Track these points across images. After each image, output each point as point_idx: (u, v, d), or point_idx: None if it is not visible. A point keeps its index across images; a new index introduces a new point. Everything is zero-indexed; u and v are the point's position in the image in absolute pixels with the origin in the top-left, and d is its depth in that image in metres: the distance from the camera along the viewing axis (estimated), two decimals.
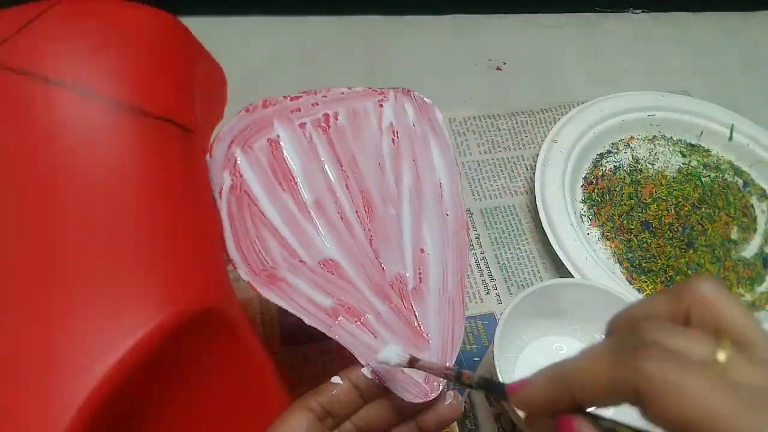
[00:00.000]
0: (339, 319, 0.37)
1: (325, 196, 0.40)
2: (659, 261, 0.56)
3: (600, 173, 0.61)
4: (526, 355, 0.49)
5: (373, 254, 0.39)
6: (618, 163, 0.62)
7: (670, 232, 0.57)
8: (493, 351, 0.43)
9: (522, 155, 0.63)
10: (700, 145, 0.65)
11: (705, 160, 0.64)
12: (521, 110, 0.66)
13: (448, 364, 0.38)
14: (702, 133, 0.66)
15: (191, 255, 0.33)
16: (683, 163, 0.64)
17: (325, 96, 0.42)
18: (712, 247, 0.57)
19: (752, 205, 0.62)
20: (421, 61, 0.70)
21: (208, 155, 0.38)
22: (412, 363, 0.34)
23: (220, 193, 0.38)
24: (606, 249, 0.57)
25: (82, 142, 0.32)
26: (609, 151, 0.63)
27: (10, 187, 0.31)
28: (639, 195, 0.60)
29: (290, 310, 0.36)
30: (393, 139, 0.42)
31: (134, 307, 0.29)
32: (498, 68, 0.71)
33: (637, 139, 0.65)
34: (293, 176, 0.40)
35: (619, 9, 0.78)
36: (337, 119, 0.42)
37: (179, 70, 0.38)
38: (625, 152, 0.64)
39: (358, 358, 0.35)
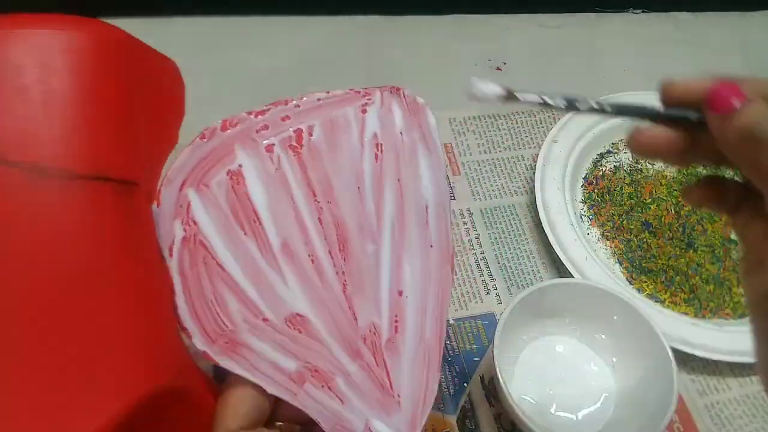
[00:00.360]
0: (305, 385, 0.34)
1: (294, 236, 0.35)
2: (659, 261, 0.56)
3: (600, 173, 0.61)
4: (526, 355, 0.49)
5: (345, 303, 0.35)
6: (618, 163, 0.62)
7: (670, 232, 0.57)
8: (493, 351, 0.43)
9: (522, 155, 0.63)
10: None
11: None
12: (521, 110, 0.66)
13: (417, 427, 0.35)
14: None
15: (136, 335, 0.29)
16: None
17: (298, 106, 0.37)
18: (712, 247, 0.57)
19: None
20: (421, 61, 0.70)
21: (154, 204, 0.33)
22: (509, 96, 0.30)
23: (171, 248, 0.33)
24: (606, 249, 0.57)
25: (1, 220, 0.27)
26: (609, 151, 0.63)
27: None
28: (639, 195, 0.60)
29: (252, 379, 0.33)
30: (376, 155, 0.37)
31: (78, 407, 0.26)
32: (498, 68, 0.71)
33: None
34: (258, 215, 0.35)
35: (619, 9, 0.78)
36: (311, 134, 0.37)
37: (115, 107, 0.31)
38: (625, 152, 0.63)
39: (323, 427, 0.33)
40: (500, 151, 0.63)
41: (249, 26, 0.69)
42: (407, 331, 0.36)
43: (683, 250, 0.56)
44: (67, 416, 0.26)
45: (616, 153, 0.63)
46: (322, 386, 0.34)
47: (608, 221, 0.58)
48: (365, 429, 0.34)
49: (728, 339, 0.51)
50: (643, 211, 0.59)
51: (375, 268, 0.36)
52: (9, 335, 0.26)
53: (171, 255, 0.33)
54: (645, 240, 0.57)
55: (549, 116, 0.66)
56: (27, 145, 0.27)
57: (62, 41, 0.29)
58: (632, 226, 0.58)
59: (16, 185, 0.27)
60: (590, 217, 0.59)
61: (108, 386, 0.27)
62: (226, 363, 0.33)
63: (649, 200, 0.59)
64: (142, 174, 0.32)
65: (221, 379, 0.34)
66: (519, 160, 0.63)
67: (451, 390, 0.49)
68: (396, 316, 0.36)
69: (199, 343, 0.33)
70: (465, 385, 0.49)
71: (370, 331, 0.36)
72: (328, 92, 0.38)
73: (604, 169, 0.62)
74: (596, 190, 0.60)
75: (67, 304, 0.27)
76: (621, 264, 0.57)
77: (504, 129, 0.64)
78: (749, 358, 0.51)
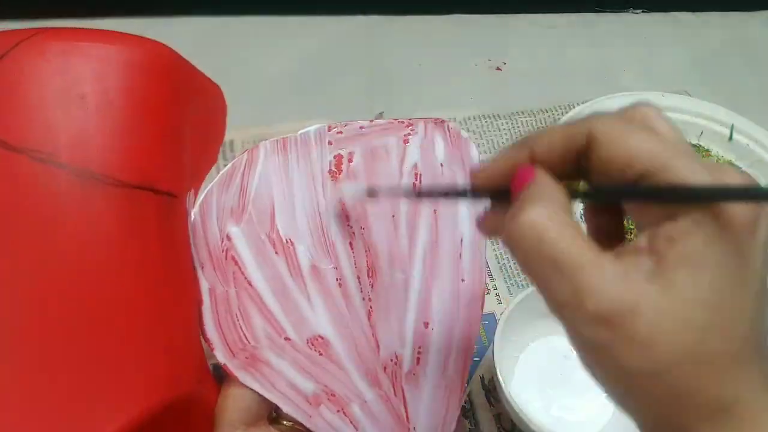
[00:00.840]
0: (320, 407, 0.34)
1: (323, 259, 0.35)
2: None
3: None
4: (526, 355, 0.49)
5: (369, 330, 0.35)
6: None
7: None
8: (493, 351, 0.43)
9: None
10: (701, 145, 0.65)
11: (705, 159, 0.64)
12: (521, 110, 0.66)
13: None
14: (702, 133, 0.66)
15: (164, 341, 0.30)
16: None
17: (340, 132, 0.37)
18: None
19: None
20: (421, 61, 0.70)
21: (192, 215, 0.34)
22: (371, 193, 0.33)
23: (203, 261, 0.34)
24: None
25: (46, 219, 0.28)
26: None
27: None
28: None
29: (267, 396, 0.33)
30: (414, 184, 0.37)
31: (102, 404, 0.27)
32: (498, 68, 0.71)
33: None
34: (290, 238, 0.35)
35: (618, 9, 0.78)
36: (351, 161, 0.36)
37: (164, 121, 0.32)
38: None
39: None
40: None
41: (249, 26, 0.69)
42: (429, 364, 0.36)
43: None
44: (89, 415, 0.26)
45: None
46: (338, 411, 0.34)
47: None
48: None
49: None
50: None
51: (403, 297, 0.36)
52: (44, 329, 0.27)
53: (203, 267, 0.34)
54: None
55: (549, 116, 0.66)
56: (79, 149, 0.28)
57: (119, 56, 0.30)
58: (632, 226, 0.57)
59: (65, 186, 0.28)
60: None
61: (133, 389, 0.28)
62: (244, 377, 0.33)
63: None
64: (184, 188, 0.34)
65: (221, 377, 0.34)
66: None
67: None
68: (420, 347, 0.35)
69: (220, 355, 0.33)
70: (465, 385, 0.49)
71: (391, 360, 0.35)
72: (371, 120, 0.38)
73: None
74: None
75: (103, 304, 0.28)
76: None
77: (504, 129, 0.64)
78: None
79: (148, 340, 0.29)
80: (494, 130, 0.64)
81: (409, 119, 0.38)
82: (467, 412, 0.48)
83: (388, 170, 0.37)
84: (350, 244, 0.36)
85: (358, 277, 0.35)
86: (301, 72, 0.67)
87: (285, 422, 0.34)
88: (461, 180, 0.37)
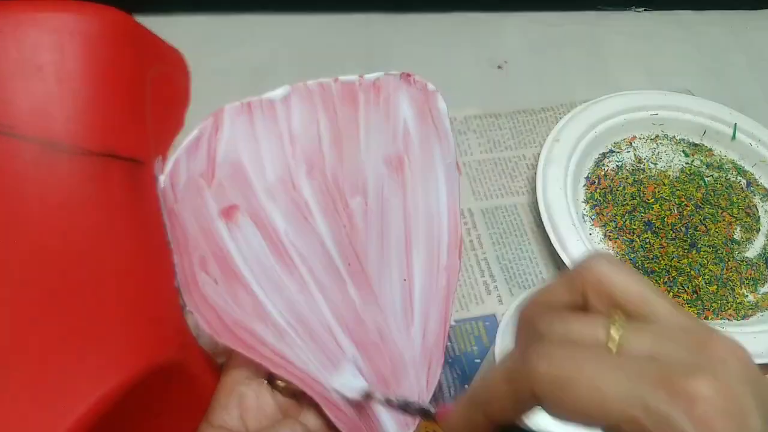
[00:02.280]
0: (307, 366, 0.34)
1: (298, 220, 0.35)
2: (662, 261, 0.55)
3: (602, 173, 0.61)
4: None
5: (352, 289, 0.35)
6: (620, 163, 0.62)
7: (673, 232, 0.57)
8: (494, 352, 0.43)
9: (523, 155, 0.62)
10: (703, 145, 0.65)
11: (708, 159, 0.64)
12: (522, 109, 0.65)
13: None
14: (705, 132, 0.65)
15: (142, 308, 0.30)
16: (686, 163, 0.63)
17: (307, 93, 0.38)
18: (715, 248, 0.56)
19: (755, 205, 0.61)
20: (422, 60, 0.69)
21: (161, 180, 0.34)
22: (368, 398, 0.33)
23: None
24: (608, 249, 0.57)
25: (12, 192, 0.28)
26: (611, 151, 0.63)
27: None
28: (641, 195, 0.59)
29: (254, 358, 0.33)
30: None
31: (71, 383, 0.26)
32: (499, 67, 0.70)
33: (640, 138, 0.64)
34: (262, 202, 0.35)
35: (621, 7, 0.77)
36: (318, 125, 0.37)
37: (124, 88, 0.32)
38: (628, 152, 0.63)
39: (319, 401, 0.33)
40: (501, 151, 0.62)
41: (248, 24, 0.69)
42: (416, 315, 0.36)
43: (686, 251, 0.56)
44: (70, 381, 0.26)
45: (618, 152, 0.63)
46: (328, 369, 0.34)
47: (611, 221, 0.58)
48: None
49: None
50: (646, 211, 0.58)
51: (382, 253, 0.36)
52: (17, 298, 0.27)
53: (177, 232, 0.33)
54: (647, 240, 0.57)
55: (551, 115, 0.65)
56: (40, 120, 0.28)
57: (76, 24, 0.30)
58: (635, 227, 0.57)
59: (29, 158, 0.28)
60: (592, 217, 0.59)
61: (113, 355, 0.27)
62: (228, 341, 0.33)
63: (652, 200, 0.59)
64: (149, 154, 0.33)
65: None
66: (520, 160, 0.62)
67: (452, 392, 0.48)
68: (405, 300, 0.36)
69: (202, 320, 0.33)
70: (466, 386, 0.48)
71: (375, 317, 0.36)
72: (335, 79, 0.38)
73: (606, 168, 0.61)
74: (598, 190, 0.60)
75: (75, 271, 0.28)
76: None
77: (505, 128, 0.64)
78: (754, 359, 0.51)
79: (126, 305, 0.29)
80: (495, 129, 0.64)
81: (375, 80, 0.38)
82: None
83: (354, 139, 0.37)
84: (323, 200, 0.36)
85: (336, 236, 0.35)
86: (301, 70, 0.66)
87: (279, 382, 0.34)
88: (433, 138, 0.38)
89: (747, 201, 0.61)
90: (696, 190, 0.60)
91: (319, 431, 0.33)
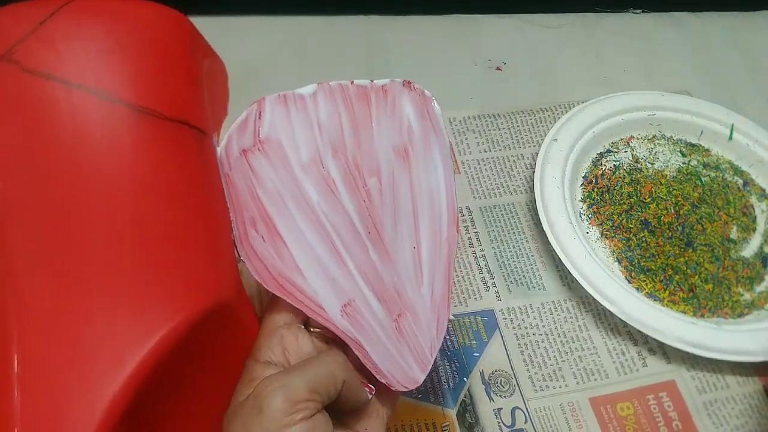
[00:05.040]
0: (340, 314, 0.39)
1: (328, 193, 0.41)
2: (658, 260, 0.56)
3: (600, 172, 0.61)
4: None
5: (375, 256, 0.41)
6: (618, 163, 0.62)
7: (670, 231, 0.57)
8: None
9: (522, 154, 0.63)
10: (700, 145, 0.65)
11: (705, 159, 0.64)
12: (521, 110, 0.66)
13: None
14: (702, 132, 0.66)
15: (207, 255, 0.35)
16: (683, 163, 0.63)
17: (331, 91, 0.44)
18: (712, 247, 0.57)
19: (752, 205, 0.62)
20: (421, 61, 0.70)
21: (219, 149, 0.40)
22: None
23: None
24: (605, 248, 0.57)
25: (103, 147, 0.33)
26: (609, 151, 0.63)
27: (34, 190, 0.31)
28: (638, 194, 0.60)
29: (296, 305, 0.38)
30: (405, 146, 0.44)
31: (155, 307, 0.31)
32: (498, 68, 0.71)
33: (637, 138, 0.65)
34: (295, 173, 0.41)
35: (619, 9, 0.78)
36: (340, 119, 0.44)
37: (190, 70, 0.38)
38: (625, 151, 0.64)
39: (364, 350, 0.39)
40: (500, 150, 0.63)
41: (248, 25, 0.70)
42: (424, 282, 0.42)
43: (682, 249, 0.56)
44: (145, 314, 0.31)
45: (615, 152, 0.63)
46: (353, 318, 0.40)
47: (608, 220, 0.58)
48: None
49: (727, 338, 0.51)
50: (643, 210, 0.58)
51: (396, 224, 0.43)
52: (103, 236, 0.32)
53: (232, 196, 0.40)
54: (644, 239, 0.57)
55: (549, 115, 0.66)
56: (131, 88, 0.34)
57: (149, 15, 0.37)
58: (631, 225, 0.58)
59: (124, 119, 0.34)
60: (590, 216, 0.59)
61: (185, 290, 0.32)
62: (274, 290, 0.38)
63: (649, 199, 0.59)
64: (209, 128, 0.40)
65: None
66: (519, 159, 0.63)
67: (451, 384, 0.49)
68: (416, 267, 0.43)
69: (253, 270, 0.38)
70: (465, 379, 0.49)
71: (393, 280, 0.41)
72: (352, 82, 0.45)
73: (603, 168, 0.62)
74: (596, 189, 0.60)
75: (152, 216, 0.33)
76: (620, 263, 0.57)
77: (504, 128, 0.64)
78: (748, 357, 0.51)
79: (196, 251, 0.34)
80: (494, 129, 0.64)
81: (383, 85, 0.45)
82: (467, 406, 0.48)
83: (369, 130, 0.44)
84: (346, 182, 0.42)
85: (358, 208, 0.42)
86: (301, 72, 0.67)
87: (314, 328, 0.39)
88: (431, 133, 0.45)
89: (744, 201, 0.61)
90: (693, 190, 0.60)
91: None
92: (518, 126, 0.65)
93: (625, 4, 0.78)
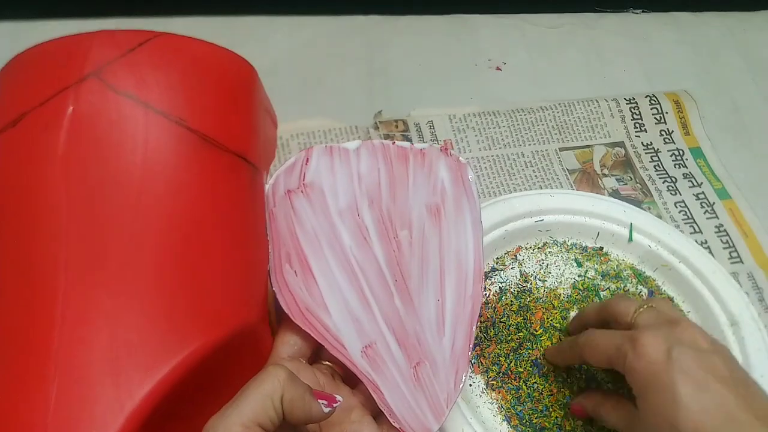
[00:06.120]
0: (360, 355, 0.41)
1: (360, 240, 0.44)
2: (552, 414, 0.46)
3: (484, 300, 0.50)
4: None
5: (400, 304, 0.43)
6: (504, 284, 0.52)
7: (565, 371, 0.48)
8: None
9: (521, 152, 0.63)
10: (598, 248, 0.55)
11: (604, 267, 0.54)
12: (521, 108, 0.66)
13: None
14: (598, 234, 0.55)
15: (243, 280, 0.38)
16: (579, 275, 0.53)
17: (372, 148, 0.49)
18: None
19: None
20: (421, 61, 0.70)
21: (267, 186, 0.45)
22: None
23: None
24: (491, 402, 0.47)
25: (168, 165, 0.36)
26: (494, 269, 0.53)
27: (98, 194, 0.34)
28: (528, 325, 0.50)
29: (319, 341, 0.40)
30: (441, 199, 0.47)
31: (191, 322, 0.33)
32: (498, 68, 0.71)
33: (526, 249, 0.55)
34: (332, 219, 0.45)
35: (619, 9, 0.78)
36: (379, 175, 0.48)
37: (251, 113, 0.42)
38: (512, 268, 0.53)
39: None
40: (499, 148, 0.63)
41: (248, 26, 0.70)
42: (446, 334, 0.43)
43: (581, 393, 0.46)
44: (180, 328, 0.33)
45: (501, 270, 0.53)
46: (372, 359, 0.41)
47: (493, 365, 0.48)
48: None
49: None
50: (534, 346, 0.49)
51: (422, 277, 0.44)
52: (154, 249, 0.34)
53: (272, 230, 0.44)
54: (536, 386, 0.47)
55: (549, 113, 0.66)
56: (200, 119, 0.38)
57: (218, 59, 0.42)
58: (521, 369, 0.48)
59: (192, 145, 0.37)
60: (473, 360, 0.48)
61: (216, 312, 0.35)
62: (299, 323, 0.40)
63: (540, 331, 0.49)
64: (262, 166, 0.44)
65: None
66: (519, 157, 0.62)
67: None
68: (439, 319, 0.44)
69: (282, 302, 0.41)
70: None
71: (416, 330, 0.43)
72: (393, 142, 0.50)
73: (488, 293, 0.52)
74: (480, 324, 0.49)
75: (201, 236, 0.36)
76: (509, 421, 0.46)
77: (504, 126, 0.64)
78: None
79: (235, 275, 0.37)
80: (494, 127, 0.64)
81: (422, 149, 0.49)
82: None
83: (404, 187, 0.48)
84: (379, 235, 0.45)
85: (387, 257, 0.44)
86: (301, 71, 0.67)
87: (325, 362, 0.41)
88: (463, 197, 0.47)
89: None
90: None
91: (349, 406, 0.39)
92: (518, 124, 0.65)
93: (625, 4, 0.78)
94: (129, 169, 0.34)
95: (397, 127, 0.62)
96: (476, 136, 0.63)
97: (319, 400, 0.33)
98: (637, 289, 0.54)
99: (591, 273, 0.54)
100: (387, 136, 0.61)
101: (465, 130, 0.63)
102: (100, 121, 0.35)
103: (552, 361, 0.48)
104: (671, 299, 0.53)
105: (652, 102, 0.67)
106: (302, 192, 0.45)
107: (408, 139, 0.61)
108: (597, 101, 0.66)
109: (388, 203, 0.46)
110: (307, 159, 0.47)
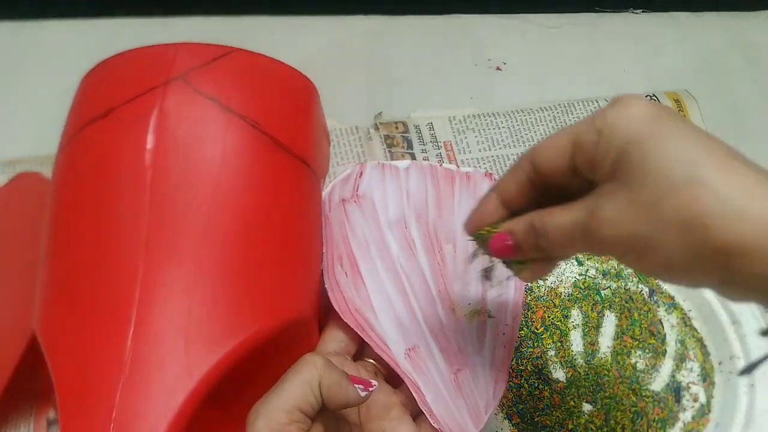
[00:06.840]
0: (404, 357, 0.42)
1: (406, 249, 0.47)
2: (554, 413, 0.47)
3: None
4: None
5: (444, 311, 0.45)
6: None
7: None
8: None
9: (521, 153, 0.63)
10: None
11: (604, 266, 0.55)
12: (520, 108, 0.66)
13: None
14: None
15: (300, 276, 0.41)
16: (579, 274, 0.54)
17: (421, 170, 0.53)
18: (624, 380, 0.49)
19: (660, 320, 0.52)
20: (421, 61, 0.70)
21: (324, 193, 0.48)
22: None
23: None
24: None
25: (242, 163, 0.38)
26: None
27: (182, 186, 0.36)
28: (530, 324, 0.51)
29: (366, 339, 0.42)
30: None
31: (251, 308, 0.36)
32: (498, 68, 0.71)
33: None
34: (382, 229, 0.47)
35: (619, 9, 0.78)
36: (427, 193, 0.51)
37: (313, 126, 0.45)
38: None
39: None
40: (500, 149, 0.63)
41: (248, 26, 0.70)
42: (486, 346, 0.45)
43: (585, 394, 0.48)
44: (241, 313, 0.36)
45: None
46: (417, 362, 0.42)
47: None
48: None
49: None
50: (535, 344, 0.50)
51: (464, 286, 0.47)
52: (221, 239, 0.36)
53: (326, 233, 0.46)
54: (537, 385, 0.48)
55: (549, 114, 0.66)
56: (272, 124, 0.41)
57: (284, 74, 0.45)
58: (522, 367, 0.48)
59: (261, 145, 0.40)
60: None
61: (275, 301, 0.38)
62: (348, 321, 0.42)
63: (541, 329, 0.50)
64: (322, 174, 0.47)
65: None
66: (518, 158, 0.62)
67: None
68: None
69: (333, 300, 0.43)
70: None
71: (460, 341, 0.45)
72: (440, 164, 0.54)
73: None
74: None
75: (266, 232, 0.38)
76: (510, 420, 0.47)
77: (504, 127, 0.64)
78: None
79: (293, 269, 0.40)
80: (494, 128, 0.64)
81: (468, 172, 0.53)
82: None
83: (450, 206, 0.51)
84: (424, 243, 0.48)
85: (432, 268, 0.46)
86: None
87: (369, 360, 0.43)
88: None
89: (650, 316, 0.52)
90: (591, 309, 0.52)
91: (389, 404, 0.40)
92: (518, 125, 0.65)
93: (625, 4, 0.78)
94: (208, 163, 0.37)
95: (397, 128, 0.62)
96: (476, 137, 0.63)
97: (355, 385, 0.34)
98: (638, 287, 0.54)
99: (592, 272, 0.54)
100: (387, 137, 0.61)
101: (465, 132, 0.63)
102: (184, 119, 0.38)
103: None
104: (672, 298, 0.54)
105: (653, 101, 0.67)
106: (355, 202, 0.48)
107: (408, 140, 0.61)
108: (597, 101, 0.66)
109: (434, 219, 0.48)
110: (361, 173, 0.50)
